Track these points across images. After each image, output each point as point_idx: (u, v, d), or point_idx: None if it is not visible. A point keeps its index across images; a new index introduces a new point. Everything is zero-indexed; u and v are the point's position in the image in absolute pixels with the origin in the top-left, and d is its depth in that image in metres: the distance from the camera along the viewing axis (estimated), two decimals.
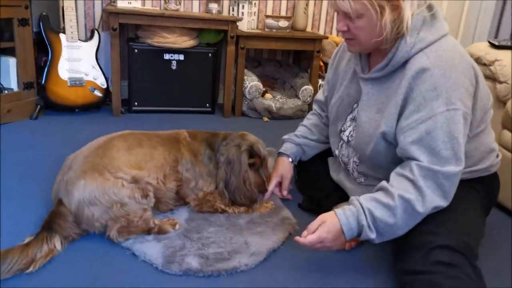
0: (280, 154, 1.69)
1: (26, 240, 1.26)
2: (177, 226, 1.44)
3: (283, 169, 1.65)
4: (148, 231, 1.39)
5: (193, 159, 1.56)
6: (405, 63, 1.23)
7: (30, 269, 1.19)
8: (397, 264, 1.23)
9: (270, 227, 1.50)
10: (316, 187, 1.67)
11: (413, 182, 1.18)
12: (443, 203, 1.19)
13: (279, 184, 1.65)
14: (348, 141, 1.45)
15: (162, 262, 1.26)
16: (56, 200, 1.39)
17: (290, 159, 1.66)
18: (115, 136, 1.53)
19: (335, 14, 1.31)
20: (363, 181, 1.44)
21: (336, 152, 1.53)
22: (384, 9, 1.17)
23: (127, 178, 1.37)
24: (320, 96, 1.72)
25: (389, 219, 1.18)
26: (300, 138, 1.69)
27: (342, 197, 1.51)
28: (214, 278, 1.24)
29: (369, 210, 1.19)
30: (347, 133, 1.45)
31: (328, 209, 1.54)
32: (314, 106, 1.76)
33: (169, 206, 1.54)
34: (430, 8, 1.24)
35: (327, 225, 1.22)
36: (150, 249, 1.31)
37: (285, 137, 1.72)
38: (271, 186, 1.62)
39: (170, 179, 1.50)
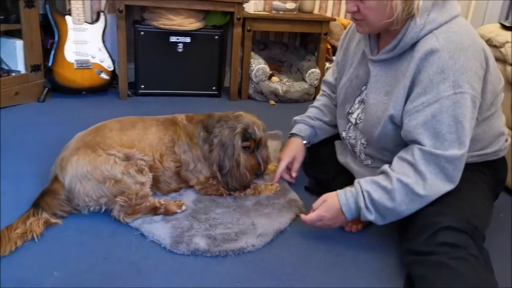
0: (292, 135, 1.67)
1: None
2: (183, 207, 1.45)
3: (296, 150, 1.63)
4: (154, 211, 1.40)
5: (189, 141, 1.56)
6: (414, 44, 1.22)
7: (6, 252, 1.20)
8: (403, 244, 1.24)
9: (277, 208, 1.51)
10: (323, 170, 1.67)
11: (414, 166, 1.18)
12: (448, 186, 1.19)
13: (288, 166, 1.64)
14: (356, 123, 1.44)
15: (170, 242, 1.28)
16: (52, 178, 1.41)
17: (304, 141, 1.65)
18: (111, 120, 1.57)
19: None
20: (369, 163, 1.44)
21: (344, 134, 1.52)
22: None
23: (119, 156, 1.40)
24: (329, 77, 1.70)
25: (387, 202, 1.20)
26: (313, 120, 1.67)
27: (348, 179, 1.51)
28: (221, 258, 1.26)
29: (368, 192, 1.22)
30: (355, 115, 1.45)
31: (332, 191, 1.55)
32: (324, 87, 1.74)
33: (170, 186, 1.55)
34: None
35: (327, 204, 1.28)
36: (159, 230, 1.33)
37: (297, 118, 1.70)
38: (280, 168, 1.61)
39: (167, 159, 1.52)
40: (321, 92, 1.76)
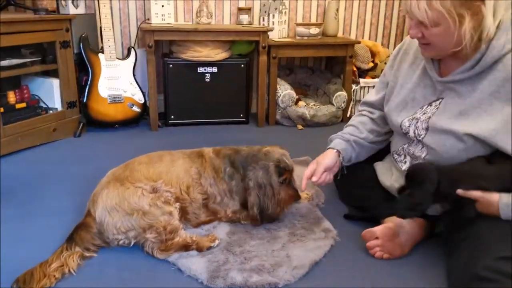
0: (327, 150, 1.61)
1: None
2: (216, 242, 1.46)
3: (323, 157, 1.55)
4: (186, 248, 1.41)
5: (215, 175, 1.59)
6: (494, 63, 1.22)
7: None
8: (456, 264, 1.22)
9: (311, 239, 1.51)
10: (364, 195, 1.63)
11: None
12: None
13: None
14: (417, 135, 1.41)
15: (207, 277, 1.29)
16: (86, 212, 1.47)
17: (340, 156, 1.56)
18: (142, 155, 1.63)
19: (407, 18, 1.31)
20: None
21: (400, 151, 1.50)
22: (463, 18, 1.16)
23: (146, 188, 1.44)
24: (371, 97, 1.65)
25: None
26: (350, 135, 1.61)
27: (391, 207, 1.48)
28: None
29: None
30: (411, 131, 1.42)
31: (377, 218, 1.53)
32: (362, 107, 1.70)
33: (199, 218, 1.57)
34: None
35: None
36: (195, 264, 1.35)
37: (332, 136, 1.65)
38: (306, 175, 1.52)
39: (194, 190, 1.55)
40: (358, 112, 1.72)
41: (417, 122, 1.40)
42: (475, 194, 1.21)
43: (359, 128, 1.63)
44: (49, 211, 1.70)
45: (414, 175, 1.28)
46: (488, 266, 1.09)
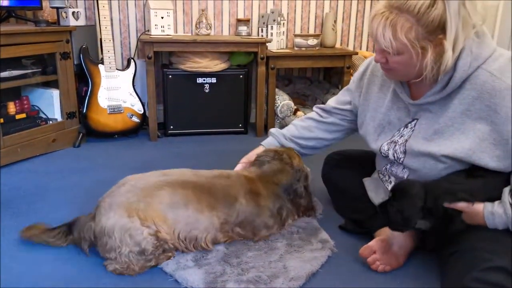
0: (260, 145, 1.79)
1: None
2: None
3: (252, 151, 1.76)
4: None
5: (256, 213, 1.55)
6: (462, 83, 1.24)
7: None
8: (448, 277, 1.23)
9: (308, 250, 1.51)
10: (357, 209, 1.65)
11: None
12: None
13: None
14: (397, 159, 1.43)
15: None
16: (93, 213, 1.47)
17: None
18: (169, 180, 1.50)
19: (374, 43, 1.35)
20: None
21: (384, 171, 1.53)
22: (426, 50, 1.18)
23: (152, 232, 1.37)
24: (331, 103, 1.72)
25: None
26: (287, 140, 1.75)
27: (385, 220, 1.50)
28: None
29: None
30: (390, 154, 1.44)
31: (371, 230, 1.54)
32: (316, 109, 1.77)
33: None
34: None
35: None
36: (192, 276, 1.35)
37: (272, 130, 1.80)
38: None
39: (215, 241, 1.51)
40: (311, 114, 1.78)
41: (395, 146, 1.42)
42: (461, 205, 1.23)
43: (301, 132, 1.75)
44: (47, 221, 1.70)
45: (401, 191, 1.30)
46: (476, 277, 1.10)
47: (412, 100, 1.36)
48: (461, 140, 1.26)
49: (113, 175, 2.17)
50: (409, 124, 1.40)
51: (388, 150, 1.44)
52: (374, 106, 1.51)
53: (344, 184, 1.73)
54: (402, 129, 1.42)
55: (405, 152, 1.39)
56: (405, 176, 1.42)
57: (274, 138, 1.77)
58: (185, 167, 2.24)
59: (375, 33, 1.21)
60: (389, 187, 1.48)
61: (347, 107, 1.66)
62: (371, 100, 1.52)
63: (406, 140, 1.38)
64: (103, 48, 2.63)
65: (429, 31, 1.16)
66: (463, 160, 1.27)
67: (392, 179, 1.50)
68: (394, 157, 1.43)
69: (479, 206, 1.23)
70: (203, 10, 2.94)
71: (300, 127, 1.76)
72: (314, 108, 1.78)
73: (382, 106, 1.47)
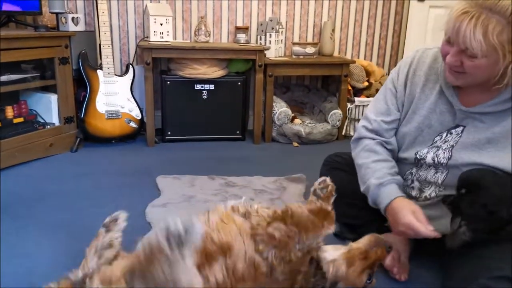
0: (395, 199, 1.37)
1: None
2: None
3: (410, 205, 1.31)
4: None
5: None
6: None
7: None
8: (449, 284, 1.24)
9: None
10: (355, 215, 1.62)
11: None
12: None
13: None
14: (437, 164, 1.37)
15: None
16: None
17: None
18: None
19: (445, 42, 1.22)
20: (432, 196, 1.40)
21: (407, 175, 1.46)
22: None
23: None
24: (386, 118, 1.48)
25: None
26: (397, 176, 1.42)
27: (380, 225, 1.49)
28: None
29: None
30: (429, 158, 1.38)
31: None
32: (372, 135, 1.50)
33: None
34: None
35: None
36: None
37: (383, 180, 1.39)
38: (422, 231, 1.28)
39: None
40: (371, 140, 1.50)
41: (437, 150, 1.36)
42: None
43: (392, 162, 1.46)
44: (43, 225, 1.71)
45: (475, 183, 1.16)
46: (482, 285, 1.10)
47: (464, 107, 1.31)
48: None
49: (110, 180, 2.18)
50: (453, 130, 1.34)
51: (427, 153, 1.38)
52: (414, 108, 1.42)
53: (341, 189, 1.69)
54: (445, 134, 1.36)
55: (449, 158, 1.33)
56: (439, 181, 1.36)
57: (392, 183, 1.39)
58: (181, 173, 2.26)
59: (462, 32, 1.12)
60: (413, 193, 1.43)
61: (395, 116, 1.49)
62: (413, 101, 1.43)
63: (452, 146, 1.33)
64: (102, 54, 2.64)
65: None
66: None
67: (416, 184, 1.44)
68: (434, 161, 1.36)
69: None
70: (202, 18, 2.96)
71: (386, 157, 1.46)
72: (368, 134, 1.50)
73: (423, 108, 1.40)
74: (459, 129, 1.33)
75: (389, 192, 1.36)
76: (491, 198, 1.13)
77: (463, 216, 1.17)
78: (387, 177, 1.39)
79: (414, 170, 1.44)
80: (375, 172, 1.40)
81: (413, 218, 1.24)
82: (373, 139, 1.48)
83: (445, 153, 1.34)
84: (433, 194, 1.39)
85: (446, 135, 1.36)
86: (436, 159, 1.36)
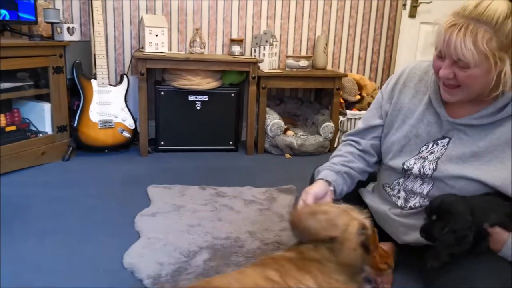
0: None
1: None
2: None
3: (310, 187, 1.36)
4: None
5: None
6: None
7: None
8: None
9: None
10: None
11: None
12: None
13: None
14: (423, 175, 1.38)
15: None
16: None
17: (326, 182, 1.39)
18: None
19: (437, 57, 1.23)
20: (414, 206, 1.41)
21: (394, 185, 1.47)
22: (504, 63, 1.14)
23: None
24: (360, 125, 1.56)
25: None
26: (340, 166, 1.46)
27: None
28: None
29: None
30: (415, 168, 1.38)
31: None
32: (347, 138, 1.58)
33: None
34: None
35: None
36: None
37: (320, 167, 1.49)
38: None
39: None
40: (342, 143, 1.60)
41: (424, 161, 1.37)
42: (497, 229, 1.19)
43: (348, 157, 1.51)
44: (33, 233, 1.70)
45: (447, 210, 1.20)
46: None
47: (451, 118, 1.32)
48: (498, 169, 1.24)
49: (101, 188, 2.18)
50: (440, 141, 1.35)
51: (414, 164, 1.39)
52: (402, 117, 1.44)
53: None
54: (431, 145, 1.37)
55: (434, 170, 1.34)
56: (424, 192, 1.37)
57: (326, 169, 1.46)
58: (173, 183, 2.27)
59: (452, 43, 1.14)
60: (399, 202, 1.44)
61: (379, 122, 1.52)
62: (401, 111, 1.45)
63: (438, 158, 1.34)
64: (97, 64, 2.66)
65: (506, 44, 1.12)
66: (496, 189, 1.24)
67: (402, 194, 1.44)
68: (420, 172, 1.37)
69: (506, 235, 1.20)
70: (197, 29, 3.00)
71: (344, 152, 1.53)
72: (343, 137, 1.60)
73: (411, 117, 1.41)
74: (445, 140, 1.34)
75: (321, 174, 1.43)
76: (463, 224, 1.16)
77: (436, 242, 1.21)
78: (327, 163, 1.49)
79: (401, 180, 1.45)
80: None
81: (306, 197, 1.28)
82: (346, 140, 1.57)
83: (431, 164, 1.35)
84: (417, 204, 1.39)
85: (432, 146, 1.37)
86: (422, 170, 1.37)
